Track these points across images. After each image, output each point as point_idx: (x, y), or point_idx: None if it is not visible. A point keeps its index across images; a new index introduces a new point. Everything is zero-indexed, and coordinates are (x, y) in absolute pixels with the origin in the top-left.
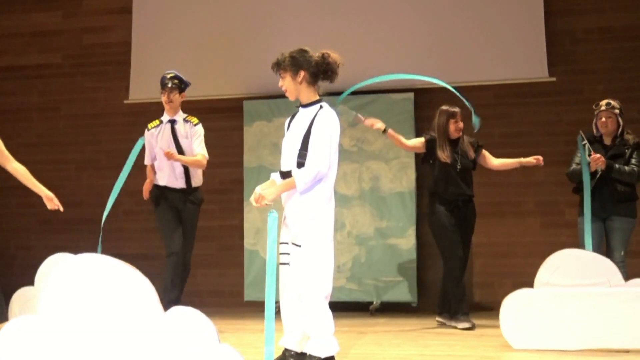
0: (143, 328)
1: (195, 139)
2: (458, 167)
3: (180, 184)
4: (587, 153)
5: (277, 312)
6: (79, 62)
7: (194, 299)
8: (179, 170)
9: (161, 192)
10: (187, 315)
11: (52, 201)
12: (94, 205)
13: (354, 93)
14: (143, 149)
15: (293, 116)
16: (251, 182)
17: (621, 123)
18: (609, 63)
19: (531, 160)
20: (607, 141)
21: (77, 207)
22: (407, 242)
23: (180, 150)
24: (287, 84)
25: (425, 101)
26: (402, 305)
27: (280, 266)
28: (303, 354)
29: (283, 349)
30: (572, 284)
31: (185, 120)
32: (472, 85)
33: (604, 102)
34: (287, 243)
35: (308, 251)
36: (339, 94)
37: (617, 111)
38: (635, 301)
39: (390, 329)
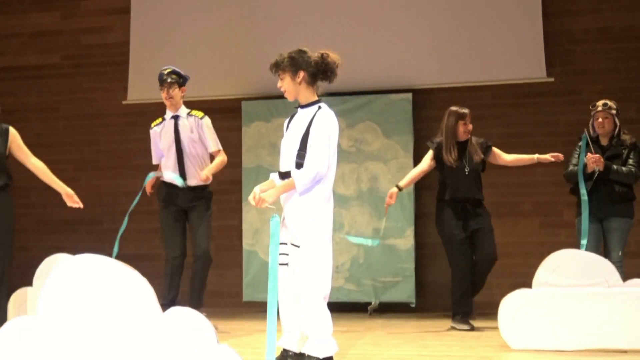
0: (141, 328)
1: (206, 134)
2: (466, 170)
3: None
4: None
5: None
6: (78, 62)
7: None
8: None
9: (169, 191)
10: (185, 316)
11: (71, 198)
12: (92, 205)
13: (352, 93)
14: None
15: (292, 117)
16: (249, 183)
17: (618, 123)
18: (607, 63)
19: (548, 157)
20: (604, 142)
21: (75, 208)
22: (405, 243)
23: (180, 148)
24: (286, 84)
25: (424, 101)
26: (401, 305)
27: (279, 267)
28: (302, 355)
29: (282, 349)
30: (570, 284)
31: (189, 115)
32: (471, 85)
33: (600, 103)
34: (286, 243)
35: (307, 252)
36: (338, 94)
37: (613, 112)
38: (633, 301)
39: (388, 330)
